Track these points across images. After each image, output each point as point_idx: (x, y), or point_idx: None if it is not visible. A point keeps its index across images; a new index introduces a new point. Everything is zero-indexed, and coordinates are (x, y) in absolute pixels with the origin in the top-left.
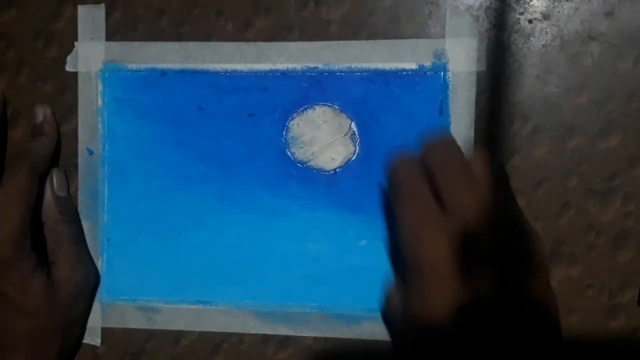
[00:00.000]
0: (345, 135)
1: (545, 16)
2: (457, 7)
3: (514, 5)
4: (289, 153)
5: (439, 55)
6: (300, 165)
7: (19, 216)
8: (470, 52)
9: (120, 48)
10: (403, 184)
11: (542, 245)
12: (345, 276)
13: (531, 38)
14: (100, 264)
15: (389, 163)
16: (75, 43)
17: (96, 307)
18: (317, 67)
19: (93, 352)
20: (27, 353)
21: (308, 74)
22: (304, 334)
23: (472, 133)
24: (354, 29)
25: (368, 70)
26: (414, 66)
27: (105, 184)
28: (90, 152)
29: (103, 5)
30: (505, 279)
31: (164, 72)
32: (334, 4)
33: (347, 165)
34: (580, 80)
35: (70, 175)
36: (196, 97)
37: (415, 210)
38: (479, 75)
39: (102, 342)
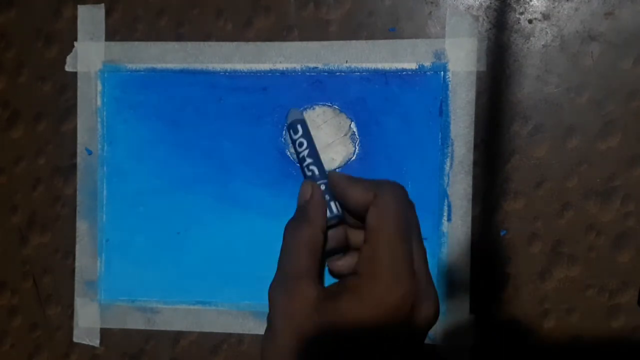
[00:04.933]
0: (345, 135)
1: (545, 16)
2: (457, 7)
3: (514, 5)
4: (288, 153)
5: (439, 55)
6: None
7: None
8: (470, 52)
9: (119, 48)
10: None
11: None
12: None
13: (531, 38)
14: (99, 265)
15: None
16: (75, 43)
17: (95, 307)
18: (317, 67)
19: (92, 353)
20: None
21: (308, 74)
22: None
23: (472, 133)
24: (354, 29)
25: (368, 70)
26: (414, 66)
27: (104, 184)
28: (89, 152)
29: (103, 5)
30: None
31: (163, 72)
32: (334, 4)
33: (347, 165)
34: (580, 80)
35: (69, 175)
36: (196, 97)
37: None
38: (479, 75)
39: (100, 343)
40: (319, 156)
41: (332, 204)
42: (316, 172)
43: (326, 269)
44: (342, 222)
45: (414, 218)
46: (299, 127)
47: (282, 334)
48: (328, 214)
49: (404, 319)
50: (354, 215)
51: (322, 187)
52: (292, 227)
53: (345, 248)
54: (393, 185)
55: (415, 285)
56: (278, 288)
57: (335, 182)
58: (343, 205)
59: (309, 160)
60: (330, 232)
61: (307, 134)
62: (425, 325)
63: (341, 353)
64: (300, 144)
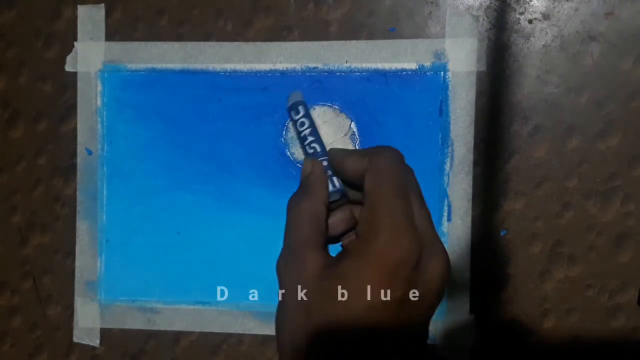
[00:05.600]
0: (345, 135)
1: (545, 16)
2: (457, 7)
3: (514, 5)
4: (288, 153)
5: (439, 55)
6: (300, 166)
7: None
8: (470, 52)
9: (120, 48)
10: None
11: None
12: None
13: (531, 38)
14: (99, 265)
15: None
16: (75, 43)
17: (95, 307)
18: (317, 67)
19: (92, 353)
20: None
21: (308, 74)
22: None
23: (472, 133)
24: (354, 29)
25: (368, 70)
26: (414, 66)
27: (105, 184)
28: (89, 153)
29: (103, 5)
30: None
31: (163, 72)
32: (334, 4)
33: None
34: (580, 80)
35: (69, 175)
36: (196, 97)
37: None
38: (479, 75)
39: (101, 343)
40: (319, 135)
41: (334, 179)
42: (317, 149)
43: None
44: (345, 198)
45: (412, 181)
46: (300, 108)
47: (292, 305)
48: (330, 188)
49: (410, 276)
50: (355, 187)
51: (324, 164)
52: (294, 201)
53: (354, 227)
54: (387, 148)
55: (418, 241)
56: (284, 260)
57: (333, 156)
58: (344, 179)
59: (310, 139)
60: (338, 215)
61: (307, 115)
62: (435, 285)
63: (349, 317)
64: (302, 124)
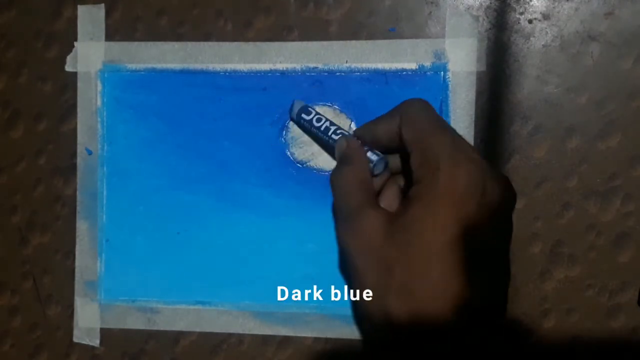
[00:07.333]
0: None
1: (545, 16)
2: (457, 7)
3: (514, 5)
4: (288, 153)
5: (438, 55)
6: (300, 166)
7: None
8: (470, 52)
9: (119, 48)
10: None
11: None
12: (345, 276)
13: (531, 38)
14: (99, 265)
15: None
16: (75, 43)
17: (95, 307)
18: (316, 67)
19: (92, 353)
20: None
21: (308, 74)
22: (304, 334)
23: (472, 133)
24: (354, 29)
25: (368, 70)
26: (413, 66)
27: (105, 184)
28: (90, 152)
29: (103, 5)
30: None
31: (163, 72)
32: (334, 4)
33: None
34: (580, 80)
35: (69, 175)
36: (196, 97)
37: None
38: (479, 75)
39: (101, 343)
40: (337, 125)
41: (372, 151)
42: (345, 134)
43: None
44: (387, 168)
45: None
46: (310, 109)
47: (369, 269)
48: (373, 157)
49: (480, 202)
50: (392, 151)
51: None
52: (336, 174)
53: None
54: (412, 99)
55: (478, 166)
56: (343, 230)
57: (361, 131)
58: (380, 149)
59: (333, 128)
60: (389, 191)
61: (318, 112)
62: (504, 208)
63: (432, 257)
64: (319, 119)
